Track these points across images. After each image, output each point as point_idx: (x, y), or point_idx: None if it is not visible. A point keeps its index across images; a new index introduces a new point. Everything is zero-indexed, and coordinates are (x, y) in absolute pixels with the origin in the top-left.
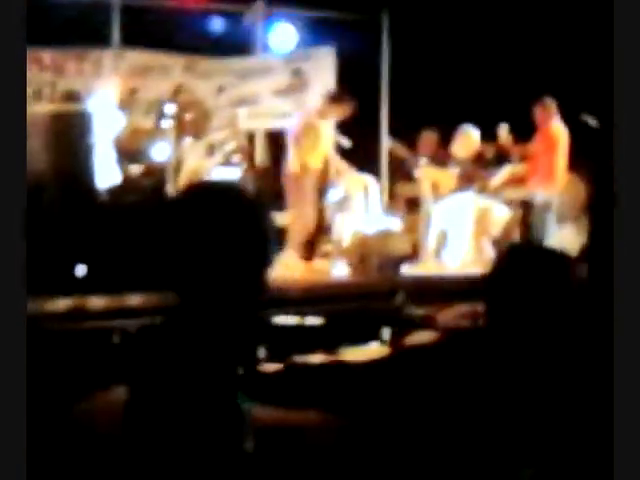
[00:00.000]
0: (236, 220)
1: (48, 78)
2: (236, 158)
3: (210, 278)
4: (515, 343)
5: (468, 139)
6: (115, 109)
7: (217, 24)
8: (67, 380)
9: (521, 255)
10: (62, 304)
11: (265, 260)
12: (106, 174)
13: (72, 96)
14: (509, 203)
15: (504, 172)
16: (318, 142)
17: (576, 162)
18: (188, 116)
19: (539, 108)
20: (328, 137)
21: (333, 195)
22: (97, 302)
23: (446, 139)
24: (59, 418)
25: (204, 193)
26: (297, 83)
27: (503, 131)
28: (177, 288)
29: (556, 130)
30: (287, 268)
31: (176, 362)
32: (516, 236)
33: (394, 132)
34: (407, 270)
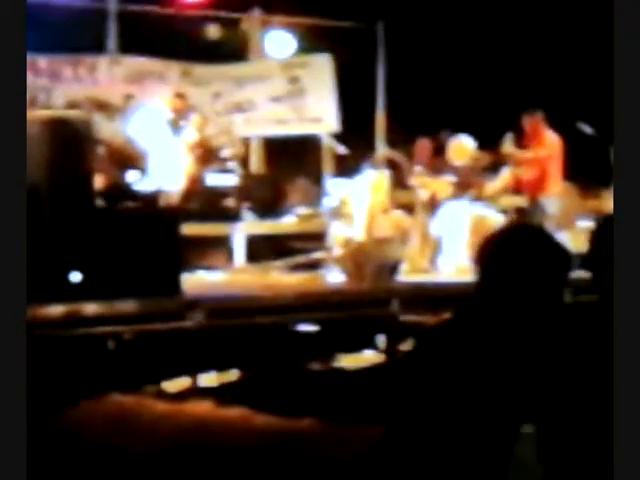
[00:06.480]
0: None
1: (44, 84)
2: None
3: None
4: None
5: (463, 148)
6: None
7: (214, 31)
8: (63, 385)
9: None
10: (57, 310)
11: None
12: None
13: (73, 105)
14: (505, 211)
15: (501, 177)
16: None
17: (571, 170)
18: (184, 122)
19: (529, 119)
20: None
21: (328, 202)
22: (91, 308)
23: (441, 148)
24: (52, 424)
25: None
26: (294, 90)
27: (508, 140)
28: None
29: (549, 139)
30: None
31: None
32: None
33: (390, 140)
34: (402, 277)
